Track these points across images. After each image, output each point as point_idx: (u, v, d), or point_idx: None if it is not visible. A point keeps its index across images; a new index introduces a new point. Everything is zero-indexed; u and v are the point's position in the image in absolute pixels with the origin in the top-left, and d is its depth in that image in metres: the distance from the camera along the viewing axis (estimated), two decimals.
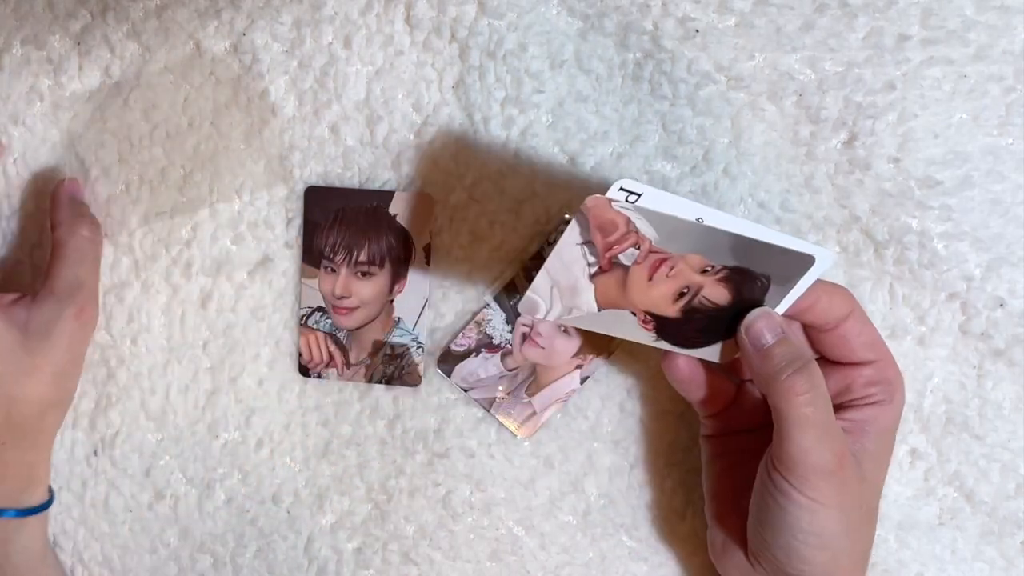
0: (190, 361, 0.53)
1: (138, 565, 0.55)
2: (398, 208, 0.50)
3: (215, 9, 0.50)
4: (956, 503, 0.51)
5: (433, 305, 0.52)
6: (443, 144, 0.50)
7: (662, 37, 0.48)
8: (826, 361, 0.45)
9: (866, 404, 0.44)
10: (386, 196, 0.50)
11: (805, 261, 0.41)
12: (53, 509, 0.53)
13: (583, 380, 0.51)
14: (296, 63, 0.51)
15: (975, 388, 0.50)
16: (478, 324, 0.51)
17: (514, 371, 0.51)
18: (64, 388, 0.49)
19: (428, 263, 0.50)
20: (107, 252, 0.53)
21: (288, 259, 0.52)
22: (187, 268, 0.53)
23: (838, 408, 0.44)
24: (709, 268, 0.41)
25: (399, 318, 0.51)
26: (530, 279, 0.44)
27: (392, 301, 0.50)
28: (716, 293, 0.42)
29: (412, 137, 0.51)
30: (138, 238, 0.53)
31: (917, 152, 0.48)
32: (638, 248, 0.40)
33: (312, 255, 0.50)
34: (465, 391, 0.52)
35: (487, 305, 0.51)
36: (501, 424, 0.51)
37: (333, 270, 0.51)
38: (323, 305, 0.51)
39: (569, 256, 0.41)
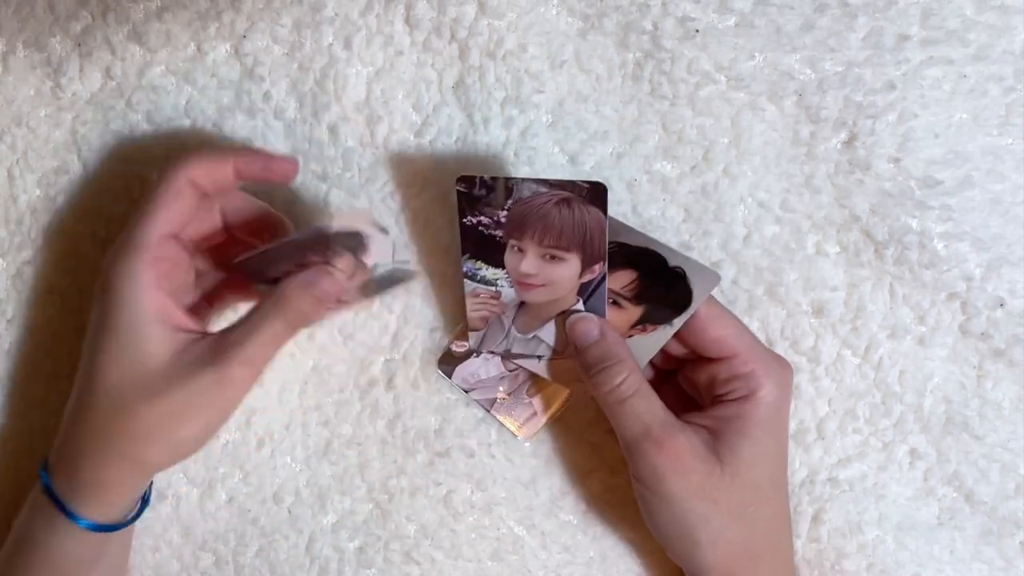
0: None
1: (141, 563, 0.54)
2: (338, 225, 0.44)
3: (216, 11, 0.50)
4: (955, 503, 0.50)
5: (434, 305, 0.51)
6: (443, 144, 0.50)
7: (662, 37, 0.48)
8: (698, 356, 0.46)
9: (728, 400, 0.44)
10: (323, 232, 0.44)
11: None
12: None
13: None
14: (296, 65, 0.50)
15: (975, 388, 0.49)
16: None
17: (515, 371, 0.51)
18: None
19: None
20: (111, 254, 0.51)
21: None
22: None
23: (707, 405, 0.46)
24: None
25: (376, 263, 0.46)
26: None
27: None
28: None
29: (412, 137, 0.50)
30: None
31: (917, 152, 0.47)
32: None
33: (266, 283, 0.45)
34: (466, 392, 0.51)
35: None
36: (502, 425, 0.50)
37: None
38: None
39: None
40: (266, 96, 0.50)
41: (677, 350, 0.47)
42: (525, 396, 0.51)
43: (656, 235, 0.49)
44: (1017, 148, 0.47)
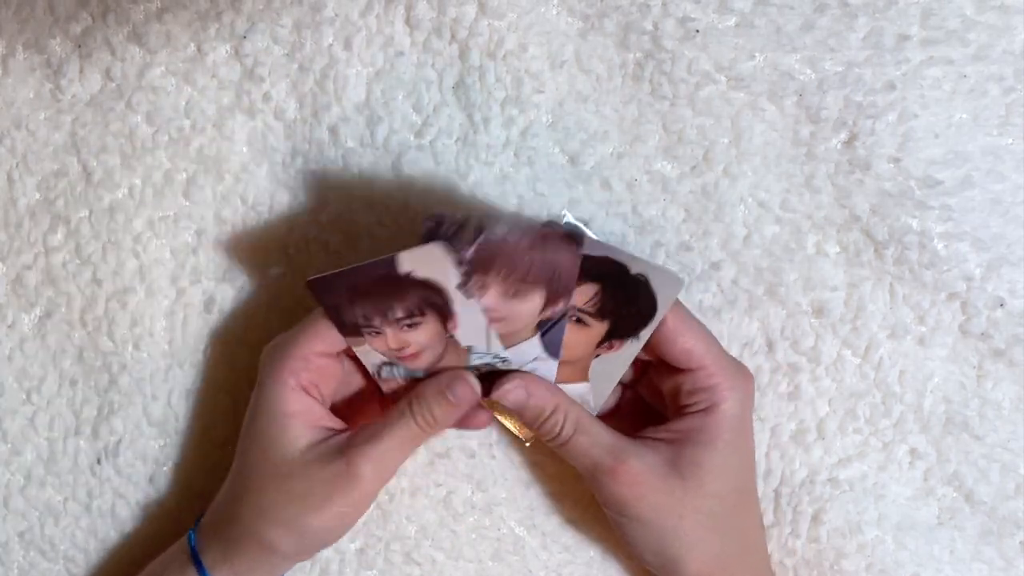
0: (192, 366, 0.52)
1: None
2: (411, 265, 0.42)
3: (216, 12, 0.49)
4: (955, 503, 0.50)
5: None
6: (443, 144, 0.50)
7: (662, 37, 0.47)
8: (663, 364, 0.46)
9: (690, 413, 0.44)
10: (389, 262, 0.42)
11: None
12: (63, 521, 0.52)
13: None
14: (296, 65, 0.50)
15: (975, 388, 0.49)
16: None
17: None
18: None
19: (466, 288, 0.43)
20: (111, 257, 0.51)
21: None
22: (191, 273, 0.51)
23: (669, 418, 0.45)
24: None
25: (469, 346, 0.45)
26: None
27: (452, 336, 0.45)
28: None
29: (412, 138, 0.50)
30: (142, 243, 0.51)
31: (917, 152, 0.47)
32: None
33: (349, 329, 0.44)
34: None
35: None
36: (502, 425, 0.50)
37: (377, 332, 0.44)
38: (380, 361, 0.46)
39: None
40: (266, 97, 0.50)
41: (640, 357, 0.46)
42: None
43: (656, 235, 0.49)
44: (1017, 148, 0.47)
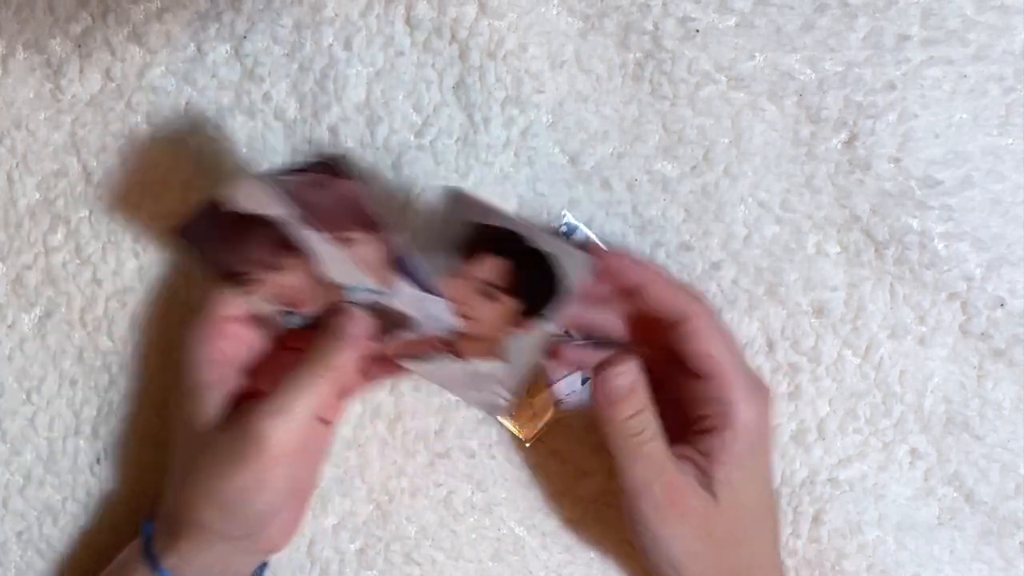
0: None
1: None
2: (244, 201, 0.42)
3: (216, 12, 0.49)
4: (955, 503, 0.50)
5: None
6: (444, 144, 0.49)
7: (662, 37, 0.47)
8: (682, 368, 0.44)
9: (707, 431, 0.43)
10: (216, 204, 0.43)
11: None
12: (62, 521, 0.52)
13: (584, 381, 0.49)
14: (296, 65, 0.49)
15: (975, 388, 0.49)
16: None
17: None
18: None
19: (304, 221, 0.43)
20: (111, 257, 0.51)
21: None
22: (190, 273, 0.51)
23: (687, 422, 0.45)
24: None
25: (344, 284, 0.44)
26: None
27: (324, 276, 0.44)
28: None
29: (412, 138, 0.50)
30: (141, 243, 0.51)
31: (917, 152, 0.47)
32: None
33: (232, 280, 0.44)
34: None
35: None
36: (503, 426, 0.50)
37: (257, 280, 0.44)
38: (275, 311, 0.45)
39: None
40: (266, 97, 0.50)
41: (663, 360, 0.45)
42: (524, 395, 0.50)
43: (656, 235, 0.49)
44: (1017, 148, 0.47)
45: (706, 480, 0.43)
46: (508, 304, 0.43)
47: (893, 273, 0.48)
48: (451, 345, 0.45)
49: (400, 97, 0.49)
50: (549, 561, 0.52)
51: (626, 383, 0.43)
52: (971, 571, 0.50)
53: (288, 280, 0.44)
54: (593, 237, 0.47)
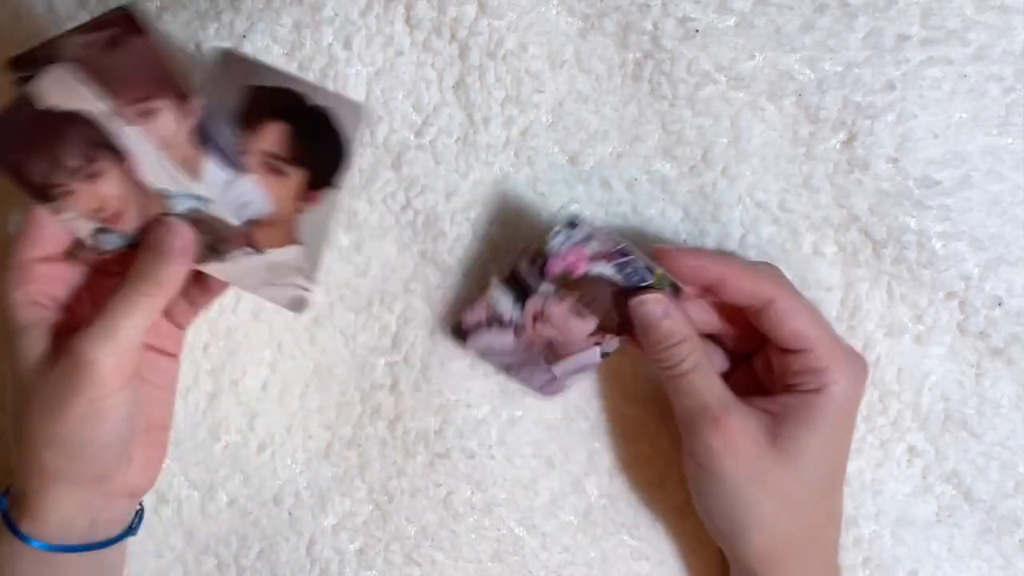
0: (191, 364, 0.51)
1: (144, 569, 0.53)
2: (48, 96, 0.39)
3: (215, 11, 0.49)
4: (954, 501, 0.50)
5: (436, 305, 0.50)
6: (443, 144, 0.49)
7: (662, 37, 0.47)
8: (772, 349, 0.45)
9: (797, 391, 0.43)
10: (25, 101, 0.39)
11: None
12: None
13: (603, 355, 0.48)
14: (296, 65, 0.49)
15: (973, 386, 0.49)
16: (487, 302, 0.48)
17: (530, 346, 0.49)
18: None
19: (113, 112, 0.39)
20: None
21: None
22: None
23: (777, 391, 0.45)
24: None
25: (163, 190, 0.41)
26: (528, 274, 0.44)
27: (141, 183, 0.41)
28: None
29: (412, 137, 0.49)
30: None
31: (916, 152, 0.47)
32: None
33: (41, 193, 0.41)
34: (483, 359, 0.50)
35: (494, 287, 0.48)
36: (521, 389, 0.50)
37: (69, 191, 0.41)
38: (97, 226, 0.42)
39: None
40: None
41: (753, 334, 0.45)
42: (543, 363, 0.49)
43: (654, 235, 0.49)
44: (1016, 148, 0.47)
45: (773, 432, 0.43)
46: (295, 176, 0.40)
47: (890, 272, 0.48)
48: (247, 237, 0.41)
49: (400, 97, 0.49)
50: (549, 561, 0.52)
51: (659, 310, 0.43)
52: (969, 568, 0.50)
53: (103, 189, 0.41)
54: (598, 229, 0.46)
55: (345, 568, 0.52)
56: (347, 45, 0.49)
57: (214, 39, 0.49)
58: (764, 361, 0.47)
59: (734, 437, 0.43)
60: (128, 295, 0.41)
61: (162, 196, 0.41)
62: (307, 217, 0.40)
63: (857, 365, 0.44)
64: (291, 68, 0.49)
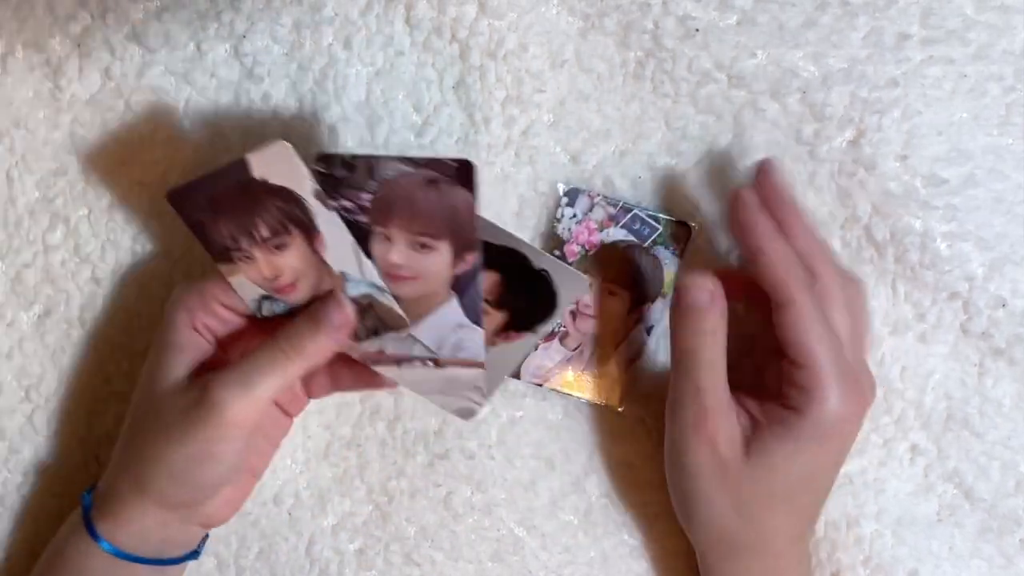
0: None
1: None
2: (262, 169, 0.41)
3: (215, 11, 0.49)
4: (955, 500, 0.50)
5: None
6: (444, 144, 0.49)
7: (663, 36, 0.47)
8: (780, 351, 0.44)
9: (783, 404, 0.43)
10: (240, 166, 0.41)
11: None
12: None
13: (648, 330, 0.48)
14: (296, 65, 0.49)
15: (975, 386, 0.49)
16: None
17: (577, 349, 0.49)
18: None
19: (327, 199, 0.42)
20: (109, 256, 0.51)
21: None
22: (190, 270, 0.51)
23: (771, 395, 0.44)
24: None
25: (342, 272, 0.43)
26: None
27: (323, 261, 0.43)
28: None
29: (413, 138, 0.49)
30: (140, 241, 0.51)
31: (922, 149, 0.47)
32: None
33: (220, 253, 0.43)
34: (540, 386, 0.50)
35: None
36: (590, 403, 0.50)
37: (248, 257, 0.43)
38: (264, 292, 0.44)
39: None
40: (266, 96, 0.49)
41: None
42: (595, 369, 0.50)
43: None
44: (1017, 148, 0.47)
45: (750, 439, 0.43)
46: (493, 316, 0.43)
47: (894, 271, 0.48)
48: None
49: (400, 97, 0.49)
50: (549, 562, 0.52)
51: (705, 297, 0.43)
52: (970, 568, 0.50)
53: (285, 260, 0.43)
54: (595, 194, 0.46)
55: (345, 568, 0.52)
56: (347, 45, 0.49)
57: (214, 39, 0.49)
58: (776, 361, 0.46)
59: (714, 435, 0.43)
60: (273, 354, 0.41)
61: (342, 279, 0.43)
62: (500, 348, 0.44)
63: (857, 393, 0.43)
64: (291, 68, 0.49)
